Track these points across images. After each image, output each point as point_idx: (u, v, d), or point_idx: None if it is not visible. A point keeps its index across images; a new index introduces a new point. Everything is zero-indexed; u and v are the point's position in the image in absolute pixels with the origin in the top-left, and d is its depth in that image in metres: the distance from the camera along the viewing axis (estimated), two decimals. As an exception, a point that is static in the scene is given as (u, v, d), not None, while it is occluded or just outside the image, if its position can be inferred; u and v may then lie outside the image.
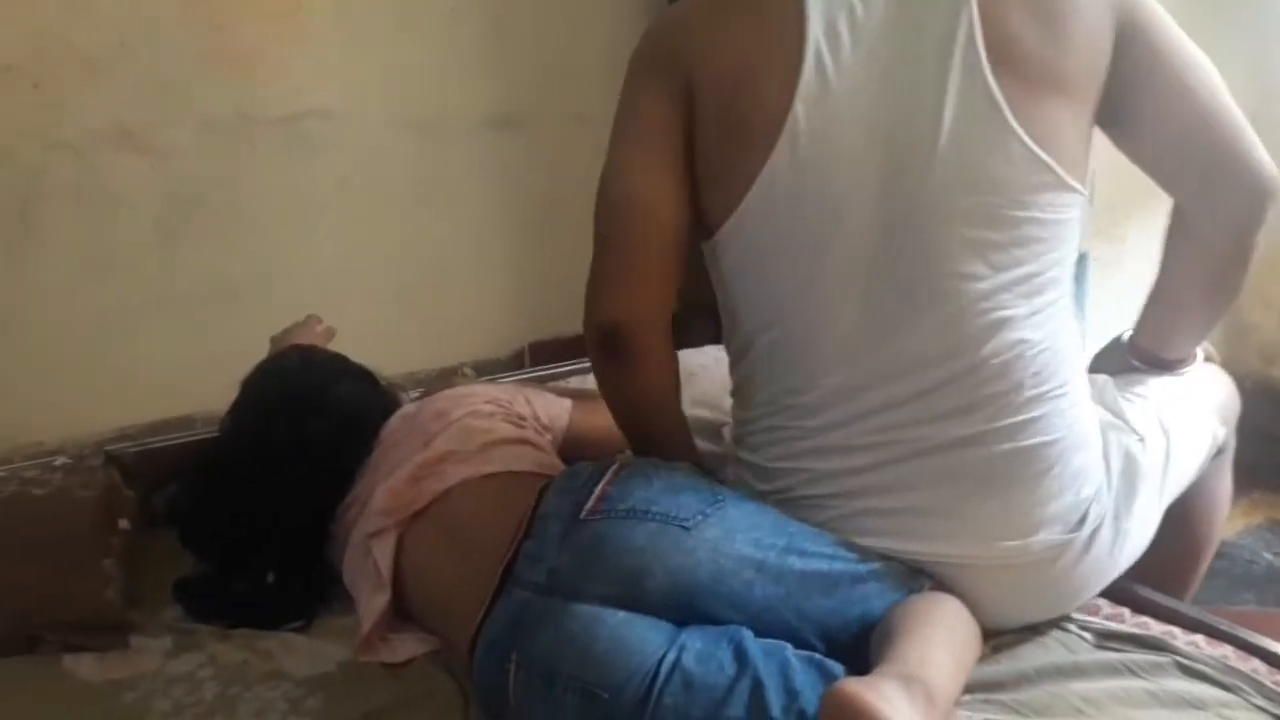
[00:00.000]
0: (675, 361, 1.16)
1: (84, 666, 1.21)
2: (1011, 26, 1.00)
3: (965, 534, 1.05)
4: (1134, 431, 1.15)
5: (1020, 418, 1.04)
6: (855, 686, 0.82)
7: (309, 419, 1.34)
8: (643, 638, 0.94)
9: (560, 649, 0.95)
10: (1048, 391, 1.05)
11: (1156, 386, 1.23)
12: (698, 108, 1.06)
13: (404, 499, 1.21)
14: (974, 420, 1.03)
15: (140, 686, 1.17)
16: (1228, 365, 1.34)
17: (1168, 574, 1.23)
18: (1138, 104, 1.07)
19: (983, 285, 1.02)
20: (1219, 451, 1.28)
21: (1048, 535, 1.05)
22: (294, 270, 1.95)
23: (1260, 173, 1.09)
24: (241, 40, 1.83)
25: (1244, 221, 1.12)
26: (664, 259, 1.09)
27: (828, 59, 1.01)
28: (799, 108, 1.01)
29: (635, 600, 0.96)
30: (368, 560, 1.22)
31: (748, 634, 0.95)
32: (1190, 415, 1.23)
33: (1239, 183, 1.10)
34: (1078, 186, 1.04)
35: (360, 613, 1.22)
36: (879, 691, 0.82)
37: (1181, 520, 1.20)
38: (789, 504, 1.09)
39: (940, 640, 0.95)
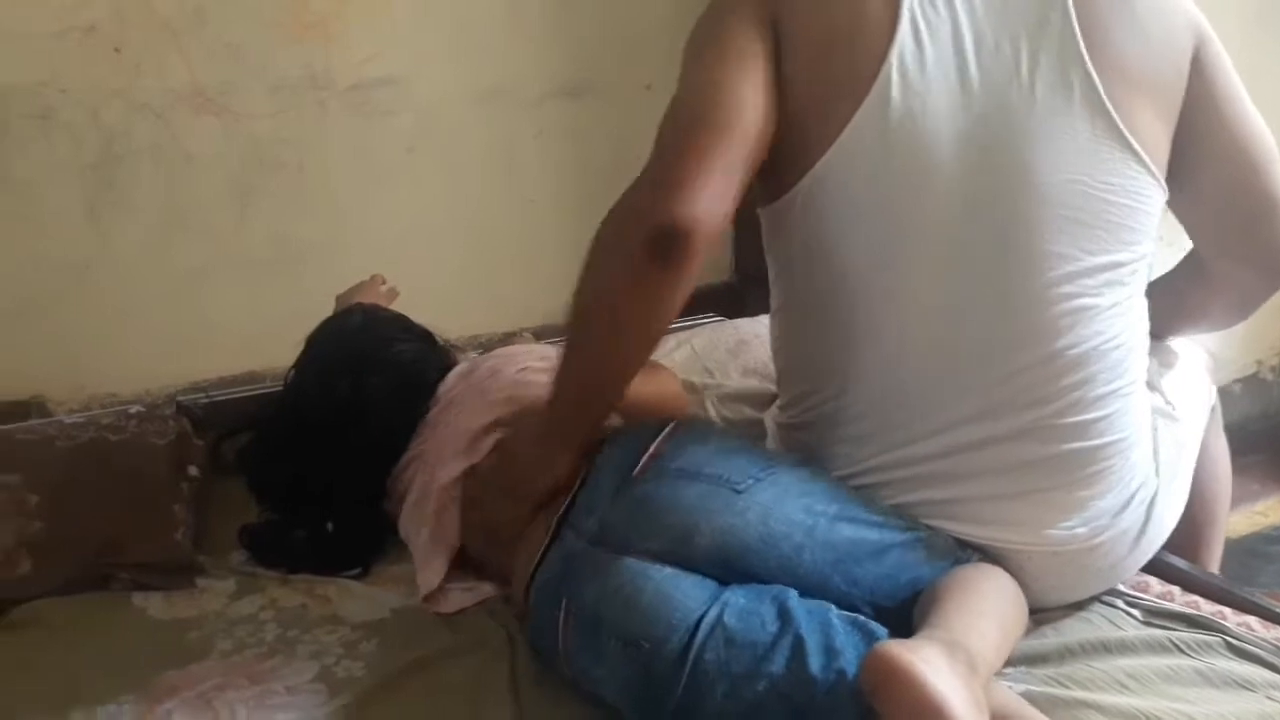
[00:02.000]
0: None
1: (153, 604, 1.26)
2: (1105, 19, 1.00)
3: (1019, 522, 1.04)
4: (1177, 419, 1.14)
5: (1090, 415, 1.02)
6: (897, 648, 0.83)
7: (368, 376, 1.38)
8: (687, 593, 0.95)
9: (606, 599, 0.97)
10: (1119, 389, 1.03)
11: (1171, 354, 1.22)
12: (785, 52, 1.01)
13: (470, 454, 1.25)
14: (1044, 414, 1.02)
15: (205, 626, 1.21)
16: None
17: (1192, 539, 1.21)
18: (1187, 149, 1.05)
19: (1070, 268, 1.00)
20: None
21: (1097, 523, 1.05)
22: (361, 233, 1.98)
23: None
24: (313, 8, 1.87)
25: (1257, 294, 1.16)
26: (744, 170, 0.98)
27: (922, 25, 1.00)
28: (893, 67, 0.99)
29: (683, 558, 0.98)
30: (432, 513, 1.25)
31: (793, 593, 0.96)
32: (1196, 381, 1.23)
33: (1263, 260, 1.12)
34: (1162, 180, 1.03)
35: (417, 562, 1.25)
36: (921, 654, 0.82)
37: (1194, 486, 1.19)
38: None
39: (986, 610, 0.95)
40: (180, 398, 1.67)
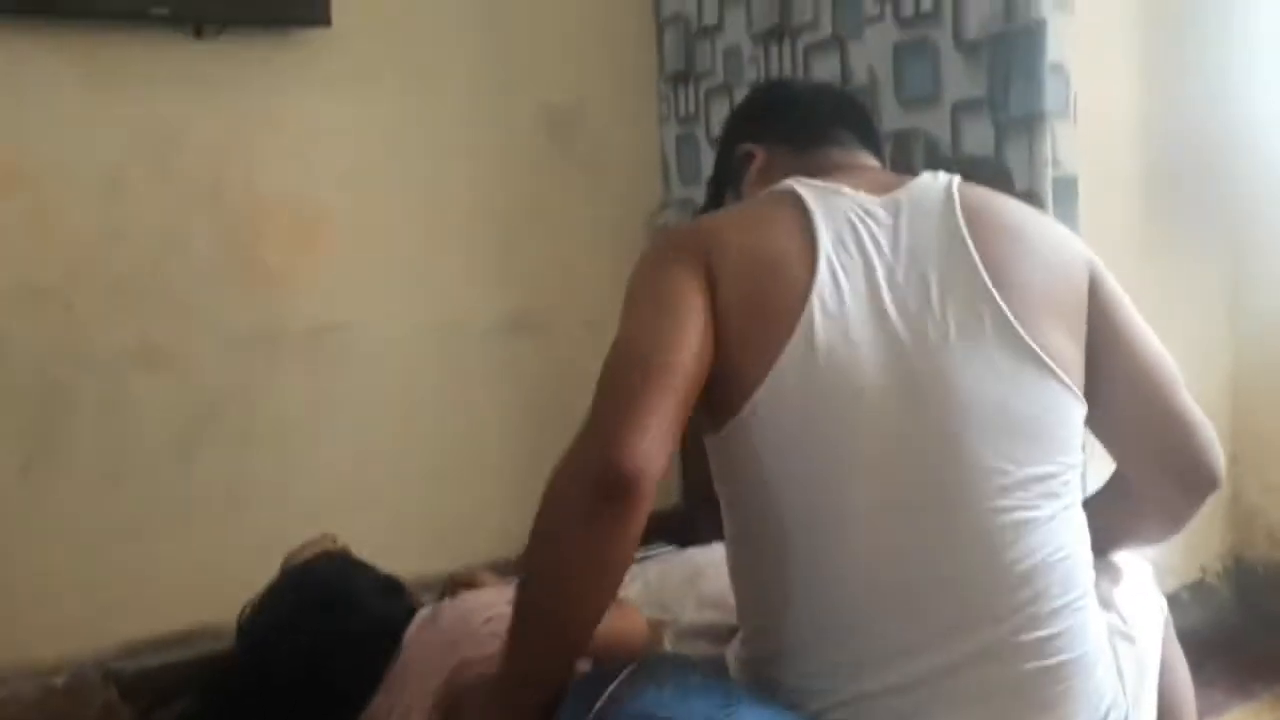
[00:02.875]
0: None
1: None
2: (1004, 254, 1.07)
3: None
4: (1134, 638, 1.14)
5: (1045, 632, 1.02)
6: None
7: (349, 619, 1.35)
8: None
9: None
10: (1071, 602, 1.03)
11: (1116, 570, 1.23)
12: (720, 291, 1.05)
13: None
14: (1000, 632, 1.01)
15: None
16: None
17: None
18: (1094, 373, 1.10)
19: (1004, 481, 1.02)
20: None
21: None
22: (308, 477, 1.98)
23: (1206, 466, 1.14)
24: (267, 259, 1.94)
25: (1182, 510, 1.19)
26: (681, 411, 1.00)
27: (838, 265, 1.06)
28: (815, 306, 1.03)
29: None
30: None
31: None
32: (1145, 594, 1.23)
33: (1183, 475, 1.15)
34: (1080, 395, 1.07)
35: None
36: None
37: (1159, 702, 1.17)
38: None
39: None
40: (109, 664, 1.58)
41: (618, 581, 1.01)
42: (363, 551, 1.54)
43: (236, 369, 1.91)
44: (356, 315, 2.02)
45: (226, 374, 1.90)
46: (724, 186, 1.33)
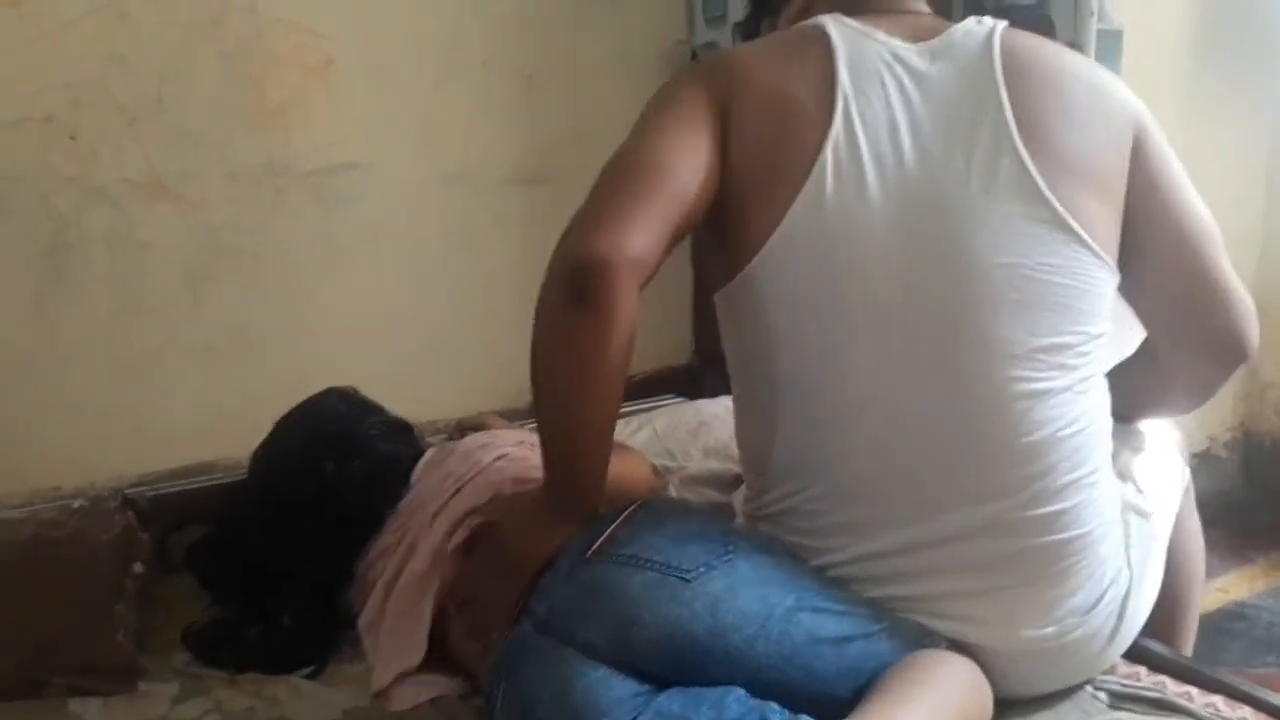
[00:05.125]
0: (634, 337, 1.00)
1: (90, 710, 1.20)
2: (1041, 112, 1.02)
3: (987, 622, 1.02)
4: (1148, 512, 1.13)
5: (1054, 508, 1.01)
6: None
7: (353, 458, 1.36)
8: (616, 699, 0.91)
9: (538, 689, 0.93)
10: (1082, 478, 1.02)
11: (1139, 438, 1.22)
12: (734, 132, 1.03)
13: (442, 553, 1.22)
14: (1006, 506, 1.00)
15: (147, 731, 1.16)
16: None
17: (1165, 621, 1.20)
18: (1133, 238, 1.06)
19: (1016, 351, 0.99)
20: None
21: (1069, 622, 1.03)
22: (319, 320, 1.97)
23: (1239, 340, 1.11)
24: (275, 95, 1.88)
25: (1212, 378, 1.16)
26: (671, 218, 0.97)
27: (856, 118, 1.02)
28: (828, 159, 1.00)
29: (624, 651, 0.94)
30: (399, 608, 1.22)
31: (734, 696, 0.92)
32: (1168, 464, 1.22)
33: (1214, 348, 1.12)
34: (1110, 262, 1.03)
35: (373, 658, 1.21)
36: None
37: (1168, 566, 1.17)
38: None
39: (919, 699, 0.91)
40: (127, 490, 1.62)
41: (613, 382, 0.99)
42: (371, 395, 1.55)
43: (246, 206, 1.88)
44: (365, 157, 1.97)
45: (234, 210, 1.87)
46: (762, 17, 1.27)
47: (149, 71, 1.77)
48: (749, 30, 1.32)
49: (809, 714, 0.91)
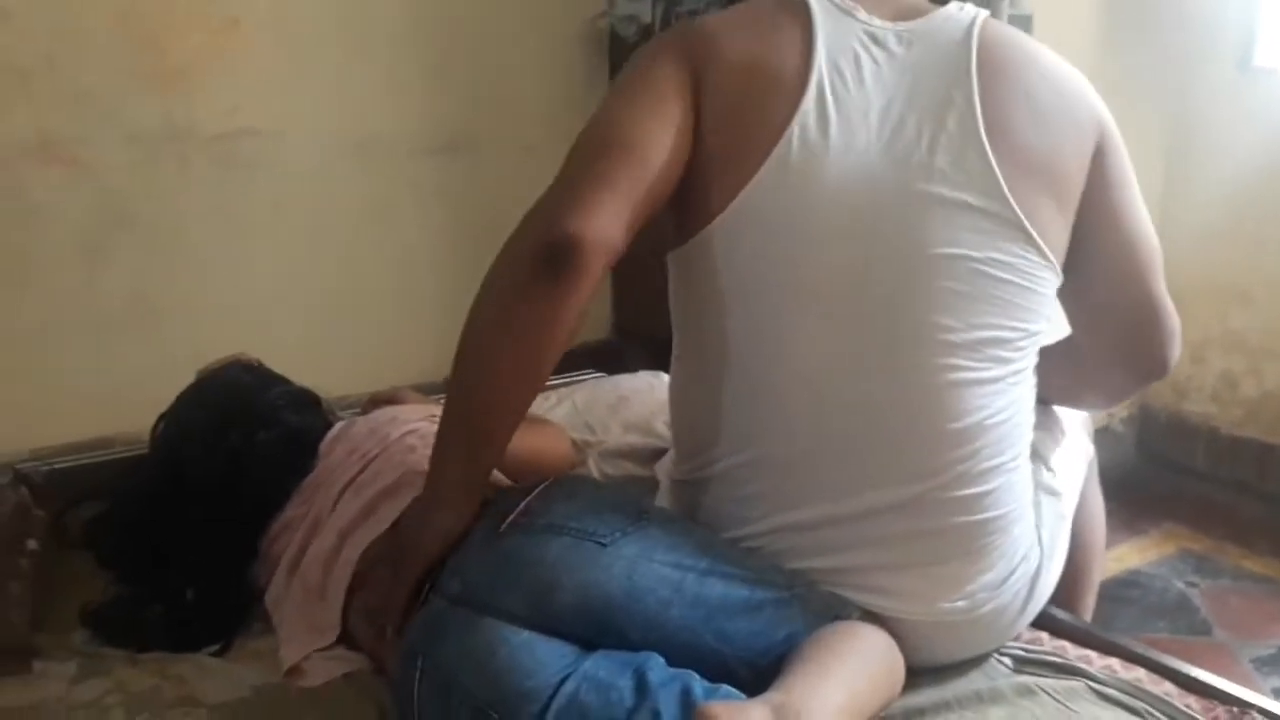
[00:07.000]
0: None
1: (-18, 693, 1.16)
2: (1008, 109, 1.03)
3: (905, 595, 1.05)
4: (1059, 492, 1.18)
5: (975, 490, 1.03)
6: (718, 709, 0.81)
7: (259, 430, 1.32)
8: (542, 661, 0.92)
9: (461, 661, 0.93)
10: (1004, 463, 1.05)
11: (1052, 418, 1.25)
12: (704, 102, 1.03)
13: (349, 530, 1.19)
14: (930, 486, 1.03)
15: (43, 713, 1.11)
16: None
17: (1068, 590, 1.24)
18: (1078, 243, 1.08)
19: (952, 339, 1.01)
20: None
21: (980, 596, 1.06)
22: (223, 291, 1.91)
23: (1162, 361, 1.15)
24: (175, 56, 1.81)
25: (1127, 388, 1.23)
26: (641, 196, 0.98)
27: (829, 93, 1.02)
28: (794, 131, 1.01)
29: (545, 617, 0.94)
30: (303, 586, 1.19)
31: (655, 662, 0.93)
32: (1076, 444, 1.27)
33: (1138, 360, 1.16)
34: (1056, 264, 1.06)
35: (281, 634, 1.19)
36: (744, 716, 0.81)
37: (1073, 539, 1.22)
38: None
39: (838, 672, 0.93)
40: (19, 466, 1.55)
41: (542, 369, 1.00)
42: (277, 368, 1.50)
43: (143, 171, 1.81)
44: (270, 124, 1.92)
45: (133, 176, 1.80)
46: None
47: (39, 28, 1.69)
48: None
49: (728, 684, 0.92)
